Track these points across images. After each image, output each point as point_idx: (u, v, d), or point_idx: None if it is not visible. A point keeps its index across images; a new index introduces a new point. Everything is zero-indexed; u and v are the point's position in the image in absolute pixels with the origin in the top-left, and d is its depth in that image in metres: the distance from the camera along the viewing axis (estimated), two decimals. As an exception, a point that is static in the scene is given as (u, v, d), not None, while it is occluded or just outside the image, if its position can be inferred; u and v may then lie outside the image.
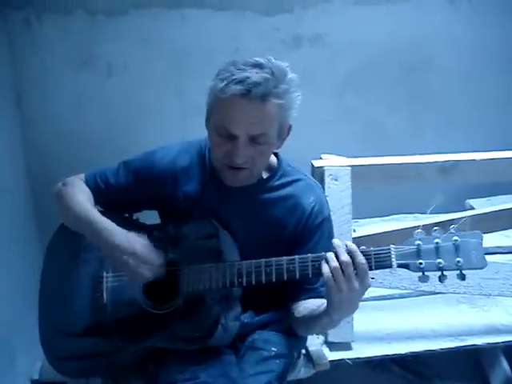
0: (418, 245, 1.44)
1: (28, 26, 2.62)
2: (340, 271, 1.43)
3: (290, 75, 1.54)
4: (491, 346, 2.24)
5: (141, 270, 1.56)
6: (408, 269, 1.45)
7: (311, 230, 1.72)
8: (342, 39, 2.89)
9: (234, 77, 1.48)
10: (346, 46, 2.90)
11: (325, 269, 1.44)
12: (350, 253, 1.44)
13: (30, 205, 2.75)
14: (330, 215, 1.78)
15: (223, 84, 1.49)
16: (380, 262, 1.47)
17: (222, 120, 1.54)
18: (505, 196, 3.04)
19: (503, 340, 2.23)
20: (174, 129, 2.65)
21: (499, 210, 2.59)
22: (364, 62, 2.94)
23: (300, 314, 1.69)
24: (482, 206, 2.91)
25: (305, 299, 1.71)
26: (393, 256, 1.46)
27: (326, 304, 1.52)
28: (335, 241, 1.47)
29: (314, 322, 1.62)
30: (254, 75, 1.47)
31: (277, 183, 1.73)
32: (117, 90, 2.76)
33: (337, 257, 1.44)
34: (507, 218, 2.59)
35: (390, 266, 1.46)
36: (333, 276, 1.43)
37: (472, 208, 2.94)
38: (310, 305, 1.67)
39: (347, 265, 1.43)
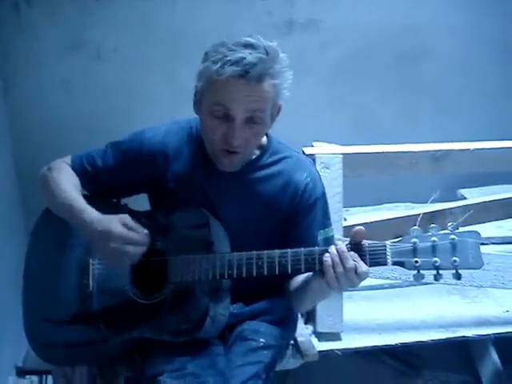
0: (415, 243, 1.42)
1: (16, 11, 2.58)
2: (343, 276, 1.42)
3: (282, 54, 1.52)
4: (482, 337, 2.22)
5: (124, 251, 1.50)
6: (403, 267, 1.43)
7: (306, 208, 1.69)
8: (336, 25, 2.87)
9: (227, 58, 1.45)
10: (340, 32, 2.88)
11: (329, 273, 1.43)
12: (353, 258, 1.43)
13: (17, 191, 2.71)
14: (324, 191, 1.75)
15: (217, 66, 1.46)
16: (375, 259, 1.45)
17: (218, 100, 1.51)
18: (497, 186, 3.02)
19: (494, 332, 2.21)
20: (165, 113, 2.60)
21: (491, 201, 2.58)
22: (357, 48, 2.91)
23: (292, 287, 1.67)
24: (474, 195, 2.91)
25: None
26: (388, 253, 1.44)
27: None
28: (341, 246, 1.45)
29: (307, 289, 1.60)
30: (249, 56, 1.45)
31: (268, 161, 1.70)
32: (107, 75, 2.74)
33: (341, 261, 1.43)
34: (499, 209, 2.58)
35: (386, 264, 1.45)
36: (336, 279, 1.43)
37: (464, 198, 2.93)
38: (301, 276, 1.64)
39: (350, 270, 1.42)
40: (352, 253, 1.44)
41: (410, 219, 2.33)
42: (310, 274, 1.56)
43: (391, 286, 2.46)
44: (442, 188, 2.90)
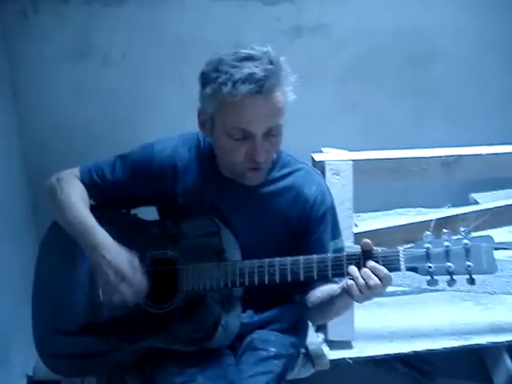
0: (428, 248, 1.41)
1: (24, 17, 2.57)
2: (364, 286, 1.40)
3: (281, 58, 1.50)
4: (495, 345, 2.20)
5: (122, 289, 1.52)
6: (417, 272, 1.42)
7: (316, 220, 1.68)
8: (345, 30, 2.85)
9: (236, 76, 1.43)
10: (349, 37, 2.86)
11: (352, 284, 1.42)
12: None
13: (27, 198, 2.70)
14: (333, 203, 1.74)
15: (229, 87, 1.44)
16: (388, 265, 1.43)
17: (236, 123, 1.49)
18: (509, 190, 2.99)
19: (507, 339, 2.19)
20: (173, 120, 2.61)
21: (504, 206, 2.55)
22: (366, 52, 2.89)
23: (315, 302, 1.64)
24: (486, 200, 2.87)
25: (314, 288, 1.66)
26: (401, 259, 1.43)
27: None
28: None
29: (330, 305, 1.58)
30: (256, 69, 1.43)
31: (277, 175, 1.69)
32: (114, 81, 2.72)
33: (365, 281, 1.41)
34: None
35: (399, 270, 1.43)
36: (357, 286, 1.41)
37: (476, 202, 2.90)
38: (321, 291, 1.62)
39: (376, 285, 1.40)
40: (371, 262, 1.42)
41: (422, 225, 2.31)
42: (333, 287, 1.54)
43: (403, 293, 2.44)
44: (453, 192, 2.88)
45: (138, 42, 2.68)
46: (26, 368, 2.31)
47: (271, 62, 1.46)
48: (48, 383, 2.16)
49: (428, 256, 1.41)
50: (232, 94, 1.44)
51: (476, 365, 2.59)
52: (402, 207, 3.02)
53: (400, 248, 1.43)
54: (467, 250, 1.39)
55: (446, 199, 2.92)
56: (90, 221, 1.61)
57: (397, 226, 2.36)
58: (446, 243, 1.40)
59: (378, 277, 1.40)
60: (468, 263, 1.38)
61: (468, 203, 2.91)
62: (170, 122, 2.55)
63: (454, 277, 1.39)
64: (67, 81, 2.69)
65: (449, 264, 1.38)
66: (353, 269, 1.43)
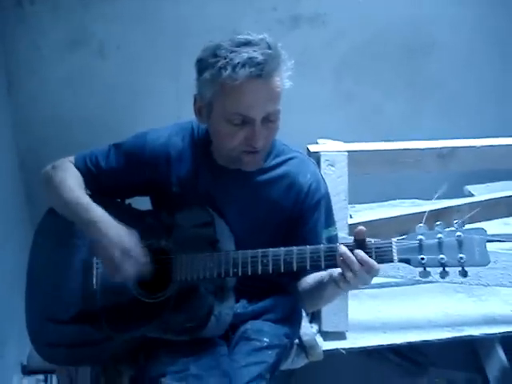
0: (421, 239, 1.41)
1: (20, 7, 2.57)
2: (350, 272, 1.41)
3: (279, 44, 1.49)
4: (488, 336, 2.20)
5: (125, 265, 1.51)
6: (409, 264, 1.42)
7: (310, 209, 1.68)
8: (342, 20, 2.86)
9: (235, 60, 1.43)
10: (346, 27, 2.87)
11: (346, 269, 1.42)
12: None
13: (22, 190, 2.72)
14: (327, 191, 1.74)
15: (228, 71, 1.43)
16: (381, 256, 1.43)
17: (236, 108, 1.49)
18: (505, 182, 2.99)
19: (500, 331, 2.19)
20: (170, 110, 2.61)
21: (499, 198, 2.54)
22: (363, 43, 2.90)
23: (306, 288, 1.65)
24: (481, 192, 2.87)
25: (306, 276, 1.66)
26: (394, 250, 1.42)
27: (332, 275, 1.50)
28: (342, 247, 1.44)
29: (320, 292, 1.59)
30: (255, 54, 1.43)
31: (272, 163, 1.69)
32: (110, 71, 2.73)
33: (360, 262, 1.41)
34: (506, 206, 2.55)
35: (392, 261, 1.43)
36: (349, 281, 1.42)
37: (471, 194, 2.90)
38: (313, 277, 1.62)
39: (360, 270, 1.40)
40: (358, 251, 1.42)
41: (416, 216, 2.30)
42: (323, 275, 1.55)
43: (397, 285, 2.44)
44: (448, 184, 2.87)
45: (133, 32, 2.69)
46: (20, 357, 2.33)
47: (269, 47, 1.46)
48: (42, 372, 2.18)
49: (421, 248, 1.40)
50: (232, 78, 1.43)
51: (469, 356, 2.60)
52: (397, 199, 3.03)
53: (393, 239, 1.43)
54: (460, 242, 1.38)
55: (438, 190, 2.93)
56: (87, 200, 1.61)
57: (391, 218, 2.35)
58: (439, 235, 1.40)
59: (363, 266, 1.40)
60: (460, 255, 1.37)
61: (463, 195, 2.91)
62: (166, 112, 2.56)
63: (447, 269, 1.39)
64: (63, 71, 2.70)
65: (441, 256, 1.38)
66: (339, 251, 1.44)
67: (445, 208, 2.41)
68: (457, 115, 3.04)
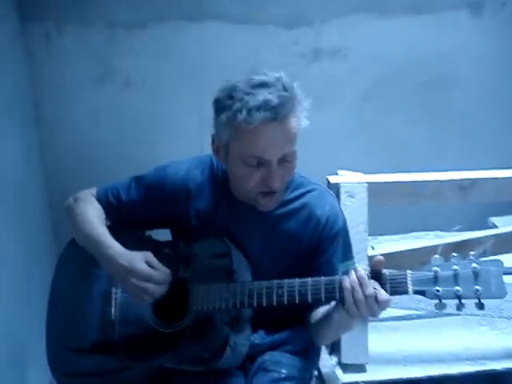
0: (436, 271, 1.40)
1: (48, 39, 2.63)
2: (363, 303, 1.40)
3: (295, 84, 1.50)
4: (510, 370, 2.17)
5: (145, 288, 1.53)
6: (424, 296, 1.41)
7: (327, 241, 1.68)
8: (362, 53, 2.86)
9: (251, 104, 1.43)
10: (366, 60, 2.87)
11: (348, 297, 1.42)
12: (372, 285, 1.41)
13: (48, 218, 2.76)
14: (345, 224, 1.73)
15: (244, 114, 1.43)
16: (396, 287, 1.43)
17: (251, 150, 1.50)
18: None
19: (524, 364, 2.15)
20: (191, 144, 2.62)
21: (521, 229, 2.51)
22: (384, 76, 2.90)
23: (315, 319, 1.65)
24: (505, 223, 2.84)
25: (318, 307, 1.66)
26: (409, 282, 1.42)
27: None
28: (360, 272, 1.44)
29: (328, 323, 1.58)
30: (270, 96, 1.44)
31: (290, 196, 1.69)
32: (134, 104, 2.77)
33: (361, 287, 1.41)
34: (529, 238, 2.51)
35: (407, 293, 1.42)
36: (355, 305, 1.41)
37: (495, 226, 2.87)
38: (322, 308, 1.63)
39: (370, 297, 1.40)
40: (372, 281, 1.42)
41: (437, 248, 2.29)
42: (332, 305, 1.55)
43: (418, 317, 2.42)
44: (472, 216, 2.86)
45: (158, 65, 2.73)
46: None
47: (285, 89, 1.46)
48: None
49: (436, 279, 1.39)
50: (247, 122, 1.44)
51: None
52: (419, 230, 3.02)
53: (408, 271, 1.43)
54: (476, 274, 1.37)
55: (463, 223, 2.90)
56: (107, 235, 1.63)
57: (412, 250, 2.33)
58: (455, 267, 1.39)
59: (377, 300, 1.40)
60: (477, 287, 1.36)
61: (487, 227, 2.88)
62: (188, 146, 2.57)
63: (463, 301, 1.37)
64: (88, 103, 2.75)
65: (457, 288, 1.37)
66: (352, 274, 1.43)
67: (466, 240, 2.38)
68: (478, 147, 3.02)
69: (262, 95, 1.43)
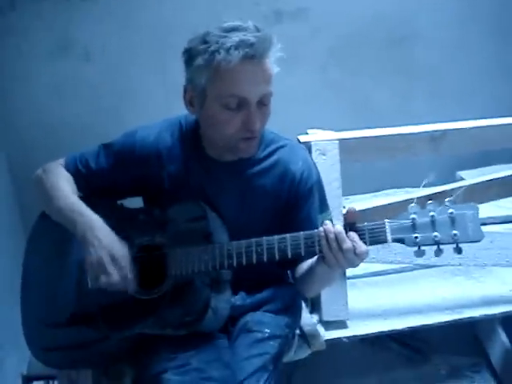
0: (413, 218, 1.41)
1: (2, 15, 2.55)
2: (340, 253, 1.42)
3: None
4: (488, 317, 2.20)
5: (111, 271, 1.51)
6: (403, 243, 1.42)
7: (304, 196, 1.68)
8: (324, 12, 2.84)
9: (227, 44, 1.43)
10: (329, 19, 2.85)
11: (326, 251, 1.44)
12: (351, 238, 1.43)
13: (12, 196, 2.69)
14: (319, 177, 1.74)
15: (223, 53, 1.43)
16: (375, 237, 1.44)
17: (231, 90, 1.48)
18: (495, 166, 2.98)
19: (500, 311, 2.18)
20: (158, 110, 2.57)
21: (490, 180, 2.54)
22: (347, 34, 2.89)
23: (301, 274, 1.68)
24: (472, 177, 2.86)
25: (302, 262, 1.68)
26: (387, 231, 1.43)
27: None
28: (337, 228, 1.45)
29: (312, 277, 1.61)
30: (246, 37, 1.43)
31: (264, 153, 1.68)
32: (96, 74, 2.71)
33: (337, 242, 1.43)
34: (499, 187, 2.54)
35: (385, 241, 1.43)
36: (334, 257, 1.44)
37: (462, 180, 2.89)
38: (306, 263, 1.65)
39: (348, 251, 1.42)
40: (351, 233, 1.43)
41: (409, 203, 2.29)
42: (315, 259, 1.56)
43: (395, 271, 2.43)
44: (440, 171, 2.87)
45: (117, 32, 2.67)
46: (20, 368, 2.30)
47: (258, 30, 1.46)
48: (44, 378, 2.16)
49: (414, 226, 1.41)
50: (227, 60, 1.43)
51: (470, 340, 2.61)
52: (389, 189, 3.03)
53: (386, 220, 1.44)
54: (452, 219, 1.39)
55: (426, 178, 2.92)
56: (79, 204, 1.61)
57: (385, 205, 2.34)
58: (432, 213, 1.40)
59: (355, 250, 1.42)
60: (454, 232, 1.38)
61: (454, 181, 2.91)
62: (154, 112, 2.51)
63: (441, 246, 1.39)
64: (49, 77, 2.68)
65: (435, 233, 1.39)
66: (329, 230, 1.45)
67: (438, 193, 2.40)
68: (446, 99, 3.03)
69: (238, 36, 1.43)
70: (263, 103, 1.52)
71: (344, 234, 1.43)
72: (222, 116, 1.52)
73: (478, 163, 3.00)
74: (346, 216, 1.46)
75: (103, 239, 1.54)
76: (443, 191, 2.45)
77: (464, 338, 2.60)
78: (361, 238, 1.43)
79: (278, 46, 1.50)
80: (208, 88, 1.51)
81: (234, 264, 1.53)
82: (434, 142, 2.17)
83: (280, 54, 1.51)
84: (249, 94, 1.48)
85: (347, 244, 1.42)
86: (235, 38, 1.43)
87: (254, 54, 1.44)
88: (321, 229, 1.47)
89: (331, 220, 1.70)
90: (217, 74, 1.47)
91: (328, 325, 2.10)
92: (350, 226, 1.45)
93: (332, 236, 1.43)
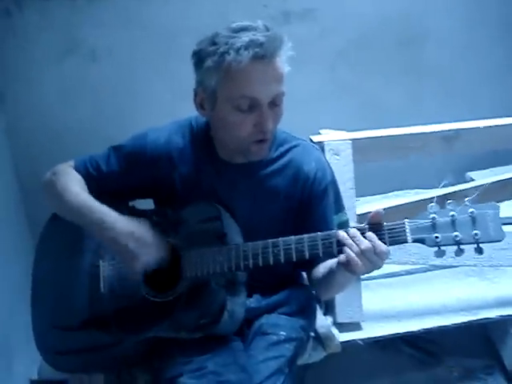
0: (433, 218, 1.38)
1: (8, 16, 2.53)
2: (361, 256, 1.39)
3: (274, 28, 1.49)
4: (504, 318, 2.18)
5: (140, 254, 1.49)
6: (424, 243, 1.39)
7: (318, 196, 1.66)
8: (333, 13, 2.82)
9: (237, 44, 1.41)
10: (338, 20, 2.83)
11: (348, 252, 1.40)
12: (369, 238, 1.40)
13: (19, 199, 2.67)
14: (333, 177, 1.72)
15: (232, 54, 1.41)
16: (394, 237, 1.41)
17: (242, 91, 1.46)
18: (506, 167, 2.96)
19: (516, 312, 2.16)
20: (165, 112, 2.55)
21: (504, 180, 2.52)
22: (356, 35, 2.87)
23: (318, 277, 1.64)
24: (482, 177, 2.84)
25: (319, 264, 1.65)
26: (407, 230, 1.40)
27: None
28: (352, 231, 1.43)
29: (331, 280, 1.57)
30: (256, 36, 1.41)
31: (276, 154, 1.67)
32: (103, 77, 2.68)
33: (357, 243, 1.40)
34: (512, 187, 2.52)
35: (406, 241, 1.41)
36: (355, 261, 1.40)
37: (472, 180, 2.87)
38: (324, 265, 1.61)
39: (369, 251, 1.39)
40: (369, 233, 1.41)
41: (423, 204, 2.27)
42: (333, 262, 1.52)
43: (408, 273, 2.42)
44: (450, 172, 2.85)
45: (124, 35, 2.64)
46: (29, 373, 2.28)
47: (267, 29, 1.45)
48: (55, 383, 2.14)
49: (434, 226, 1.38)
50: (237, 61, 1.41)
51: (483, 342, 2.57)
52: (400, 190, 3.01)
53: (406, 220, 1.41)
54: (473, 219, 1.36)
55: (442, 180, 2.91)
56: (92, 202, 1.58)
57: (398, 206, 2.33)
58: (452, 213, 1.37)
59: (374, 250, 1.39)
60: (475, 231, 1.35)
61: (465, 182, 2.89)
62: (161, 115, 2.50)
63: (462, 246, 1.37)
64: (55, 79, 2.66)
65: (456, 233, 1.36)
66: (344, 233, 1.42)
67: (451, 193, 2.38)
68: (458, 100, 3.01)
69: (247, 36, 1.42)
70: (275, 103, 1.50)
71: (361, 237, 1.40)
72: (234, 118, 1.50)
73: (487, 164, 2.98)
74: (371, 216, 1.43)
75: (119, 227, 1.52)
76: (454, 192, 2.44)
77: (477, 340, 2.56)
78: (380, 239, 1.41)
79: (289, 45, 1.49)
80: (218, 90, 1.49)
81: (250, 265, 1.50)
82: (448, 142, 2.16)
83: (291, 53, 1.49)
84: (260, 95, 1.46)
85: (366, 244, 1.39)
86: (245, 38, 1.41)
87: (264, 53, 1.42)
88: (339, 234, 1.44)
89: (347, 220, 1.69)
90: (227, 76, 1.45)
91: (342, 327, 2.08)
92: (373, 225, 1.43)
93: (349, 241, 1.41)
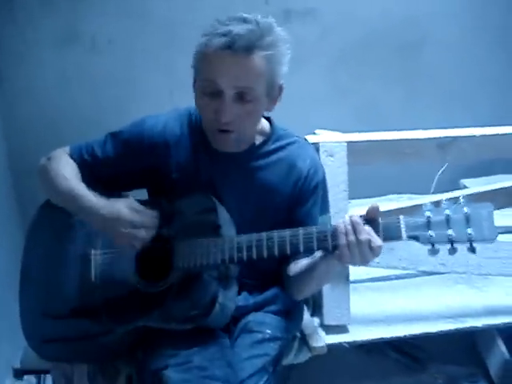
0: (428, 216, 1.39)
1: (9, 1, 2.53)
2: (356, 248, 1.39)
3: (277, 28, 1.50)
4: (490, 327, 2.19)
5: (134, 234, 1.49)
6: (418, 241, 1.40)
7: (308, 192, 1.67)
8: (334, 14, 2.84)
9: (217, 31, 1.45)
10: (337, 21, 2.86)
11: (342, 241, 1.41)
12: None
13: (11, 187, 2.66)
14: (324, 176, 1.73)
15: (206, 38, 1.46)
16: (389, 233, 1.42)
17: (207, 75, 1.49)
18: (499, 176, 2.97)
19: (503, 321, 2.16)
20: (163, 103, 2.55)
21: (495, 189, 2.52)
22: (357, 37, 2.89)
23: (294, 272, 1.64)
24: (476, 185, 2.85)
25: (299, 259, 1.65)
26: (402, 227, 1.41)
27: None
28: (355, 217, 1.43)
29: (311, 273, 1.57)
30: (238, 28, 1.43)
31: (271, 148, 1.68)
32: (102, 66, 2.70)
33: (355, 233, 1.40)
34: (504, 197, 2.52)
35: (400, 238, 1.41)
36: (348, 249, 1.40)
37: (465, 188, 2.88)
38: (306, 259, 1.61)
39: (365, 243, 1.39)
40: (367, 226, 1.41)
41: (415, 209, 2.27)
42: (315, 257, 1.53)
43: (397, 277, 2.42)
44: (444, 179, 2.86)
45: (124, 26, 2.66)
46: (12, 359, 2.26)
47: (258, 25, 1.46)
48: (36, 372, 2.12)
49: (429, 224, 1.39)
50: (207, 46, 1.46)
51: (468, 350, 2.58)
52: (393, 194, 3.01)
53: (401, 216, 1.42)
54: (467, 217, 1.38)
55: (436, 186, 2.91)
56: (82, 189, 1.58)
57: (391, 210, 2.31)
58: (447, 211, 1.39)
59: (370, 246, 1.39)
60: (469, 231, 1.36)
61: (458, 189, 2.89)
62: (159, 106, 2.50)
63: (455, 245, 1.38)
64: (53, 67, 2.67)
65: (449, 232, 1.37)
66: (346, 218, 1.43)
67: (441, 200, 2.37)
68: (456, 106, 3.04)
69: (232, 26, 1.44)
70: (243, 99, 1.50)
71: (362, 225, 1.41)
72: (199, 101, 1.55)
73: (481, 172, 2.99)
74: (368, 211, 1.44)
75: (108, 213, 1.52)
76: (446, 199, 2.42)
77: (462, 348, 2.58)
78: (375, 234, 1.41)
79: (284, 48, 1.50)
80: (195, 71, 1.55)
81: (244, 257, 1.50)
82: (443, 149, 2.15)
83: (289, 53, 1.51)
84: (221, 82, 1.48)
85: (364, 236, 1.39)
86: (230, 27, 1.44)
87: (230, 45, 1.43)
88: (340, 220, 1.44)
89: (330, 223, 1.68)
90: (199, 57, 1.51)
91: (329, 329, 2.07)
92: (369, 219, 1.43)
93: (350, 227, 1.41)
